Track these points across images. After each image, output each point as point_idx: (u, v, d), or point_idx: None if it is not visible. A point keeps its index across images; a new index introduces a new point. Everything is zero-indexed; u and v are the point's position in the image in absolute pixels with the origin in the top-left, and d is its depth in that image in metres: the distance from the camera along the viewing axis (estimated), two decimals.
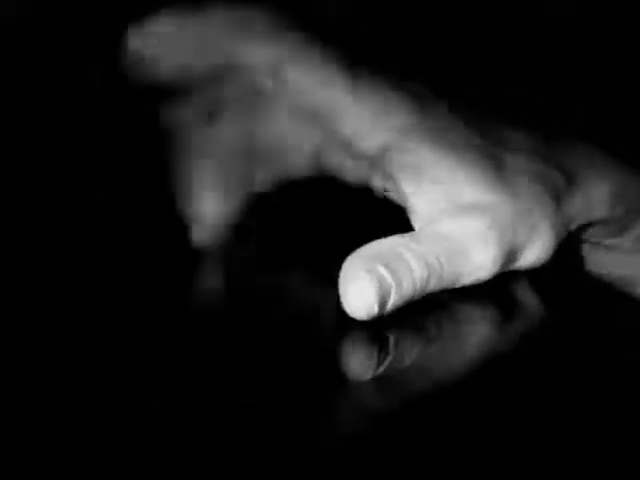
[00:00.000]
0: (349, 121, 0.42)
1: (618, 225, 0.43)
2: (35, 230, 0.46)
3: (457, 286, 0.40)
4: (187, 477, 0.29)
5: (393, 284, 0.38)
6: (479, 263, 0.40)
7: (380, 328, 0.39)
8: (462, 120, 0.42)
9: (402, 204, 0.43)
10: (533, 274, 0.43)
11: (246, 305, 0.41)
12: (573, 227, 0.42)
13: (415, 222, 0.42)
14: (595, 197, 0.42)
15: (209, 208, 0.44)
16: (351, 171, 0.43)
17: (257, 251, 0.46)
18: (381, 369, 0.36)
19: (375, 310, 0.38)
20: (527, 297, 0.43)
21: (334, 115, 0.42)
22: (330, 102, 0.42)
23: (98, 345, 0.36)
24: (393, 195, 0.43)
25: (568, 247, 0.44)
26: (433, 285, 0.40)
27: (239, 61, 0.43)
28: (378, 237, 0.40)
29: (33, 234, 0.46)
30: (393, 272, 0.38)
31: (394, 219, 0.45)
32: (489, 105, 0.43)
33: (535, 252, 0.41)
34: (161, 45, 0.44)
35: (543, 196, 0.41)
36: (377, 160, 0.42)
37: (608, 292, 0.43)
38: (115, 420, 0.32)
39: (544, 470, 0.30)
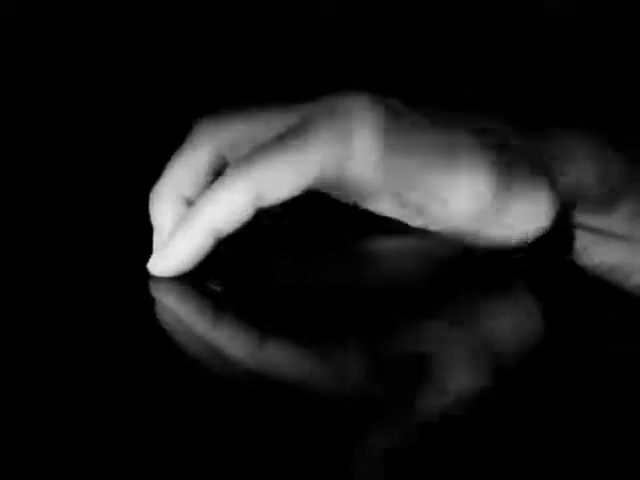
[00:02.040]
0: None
1: (605, 203, 0.44)
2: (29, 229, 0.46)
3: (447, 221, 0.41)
4: (186, 477, 0.29)
5: None
6: (467, 181, 0.41)
7: (378, 329, 0.38)
8: (441, 121, 0.42)
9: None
10: (530, 271, 0.43)
11: (242, 303, 0.41)
12: (565, 200, 0.42)
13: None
14: (583, 171, 0.43)
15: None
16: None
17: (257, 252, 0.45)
18: (381, 370, 0.36)
19: None
20: (524, 294, 0.43)
21: None
22: None
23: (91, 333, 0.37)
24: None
25: (562, 238, 0.44)
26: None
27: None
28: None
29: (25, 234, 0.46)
30: None
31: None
32: (486, 101, 0.43)
33: (534, 209, 0.41)
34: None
35: (534, 171, 0.42)
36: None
37: (601, 286, 0.43)
38: (112, 417, 0.32)
39: (541, 466, 0.30)
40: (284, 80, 0.54)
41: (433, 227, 0.43)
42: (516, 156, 0.42)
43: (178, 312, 0.41)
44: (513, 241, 0.42)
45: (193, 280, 0.41)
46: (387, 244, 0.46)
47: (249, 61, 0.55)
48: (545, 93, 0.52)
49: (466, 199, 0.41)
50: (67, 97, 0.56)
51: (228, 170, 0.41)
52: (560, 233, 0.44)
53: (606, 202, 0.44)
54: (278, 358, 0.36)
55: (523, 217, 0.42)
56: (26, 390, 0.33)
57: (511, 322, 0.41)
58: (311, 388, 0.34)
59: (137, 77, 0.56)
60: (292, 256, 0.45)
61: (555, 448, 0.31)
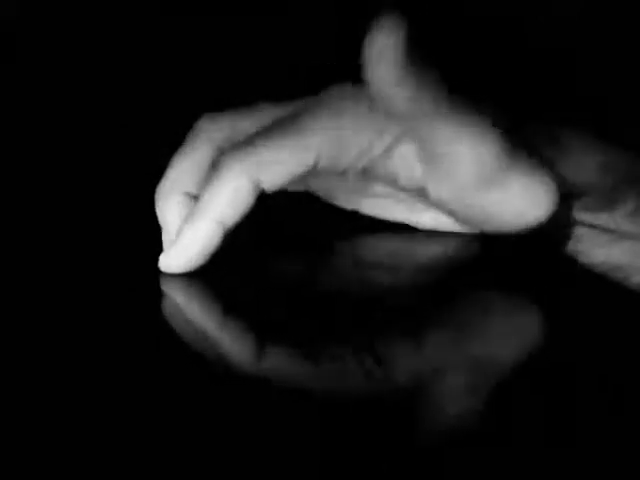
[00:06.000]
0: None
1: (608, 197, 0.44)
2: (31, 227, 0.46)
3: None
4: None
5: None
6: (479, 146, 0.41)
7: (380, 328, 0.38)
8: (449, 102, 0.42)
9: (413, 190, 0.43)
10: (531, 269, 0.43)
11: (249, 298, 0.41)
12: (565, 189, 0.43)
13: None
14: (584, 164, 0.44)
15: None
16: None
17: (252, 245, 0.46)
18: (380, 370, 0.36)
19: None
20: (524, 294, 0.42)
21: None
22: None
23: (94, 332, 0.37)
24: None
25: (563, 238, 0.44)
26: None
27: None
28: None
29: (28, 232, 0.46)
30: None
31: None
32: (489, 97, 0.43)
33: (533, 193, 0.42)
34: None
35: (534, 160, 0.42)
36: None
37: (603, 284, 0.43)
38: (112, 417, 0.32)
39: (543, 464, 0.30)
40: (284, 80, 0.55)
41: (436, 200, 0.43)
42: (518, 142, 0.42)
43: (186, 310, 0.41)
44: (516, 227, 0.43)
45: (204, 278, 0.41)
46: (385, 244, 0.46)
47: (247, 60, 0.56)
48: (546, 87, 0.52)
49: (469, 160, 0.41)
50: (69, 98, 0.56)
51: (226, 154, 0.41)
52: (561, 227, 0.44)
53: (609, 198, 0.44)
54: (282, 363, 0.36)
55: (522, 198, 0.42)
56: (36, 382, 0.34)
57: (511, 321, 0.41)
58: (315, 391, 0.34)
59: (138, 77, 0.56)
60: (296, 257, 0.45)
61: (555, 448, 0.31)
